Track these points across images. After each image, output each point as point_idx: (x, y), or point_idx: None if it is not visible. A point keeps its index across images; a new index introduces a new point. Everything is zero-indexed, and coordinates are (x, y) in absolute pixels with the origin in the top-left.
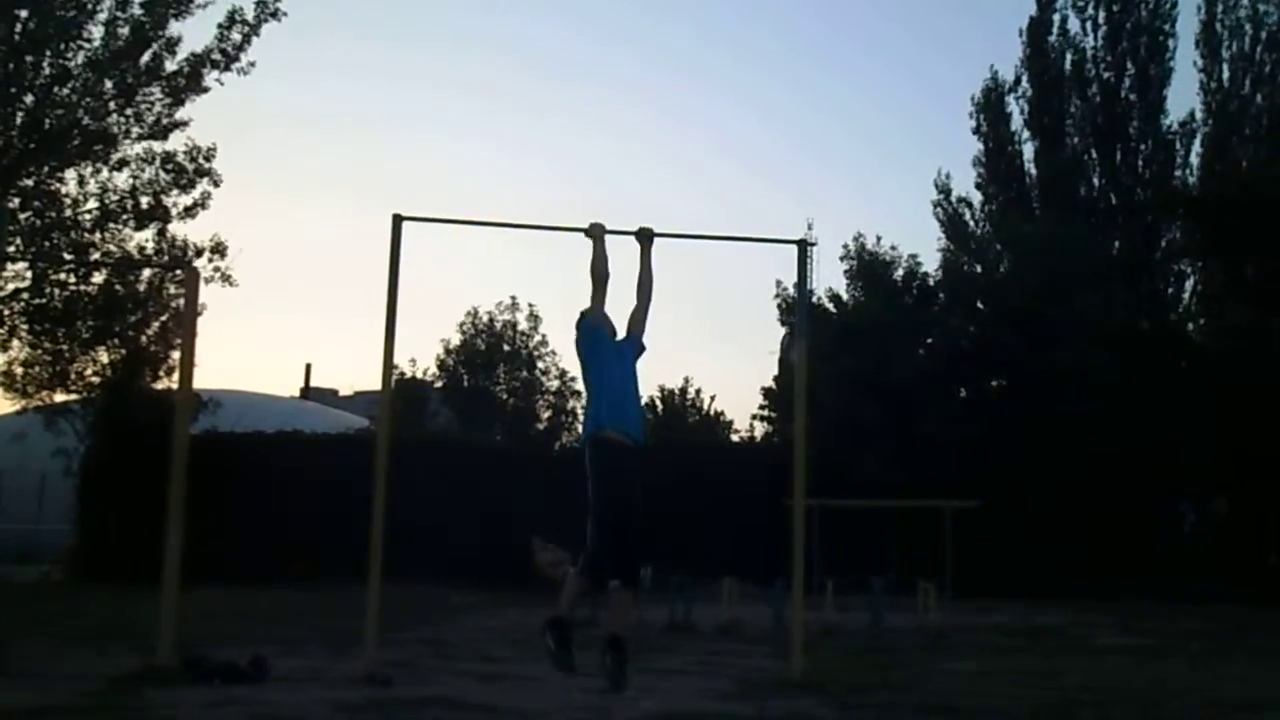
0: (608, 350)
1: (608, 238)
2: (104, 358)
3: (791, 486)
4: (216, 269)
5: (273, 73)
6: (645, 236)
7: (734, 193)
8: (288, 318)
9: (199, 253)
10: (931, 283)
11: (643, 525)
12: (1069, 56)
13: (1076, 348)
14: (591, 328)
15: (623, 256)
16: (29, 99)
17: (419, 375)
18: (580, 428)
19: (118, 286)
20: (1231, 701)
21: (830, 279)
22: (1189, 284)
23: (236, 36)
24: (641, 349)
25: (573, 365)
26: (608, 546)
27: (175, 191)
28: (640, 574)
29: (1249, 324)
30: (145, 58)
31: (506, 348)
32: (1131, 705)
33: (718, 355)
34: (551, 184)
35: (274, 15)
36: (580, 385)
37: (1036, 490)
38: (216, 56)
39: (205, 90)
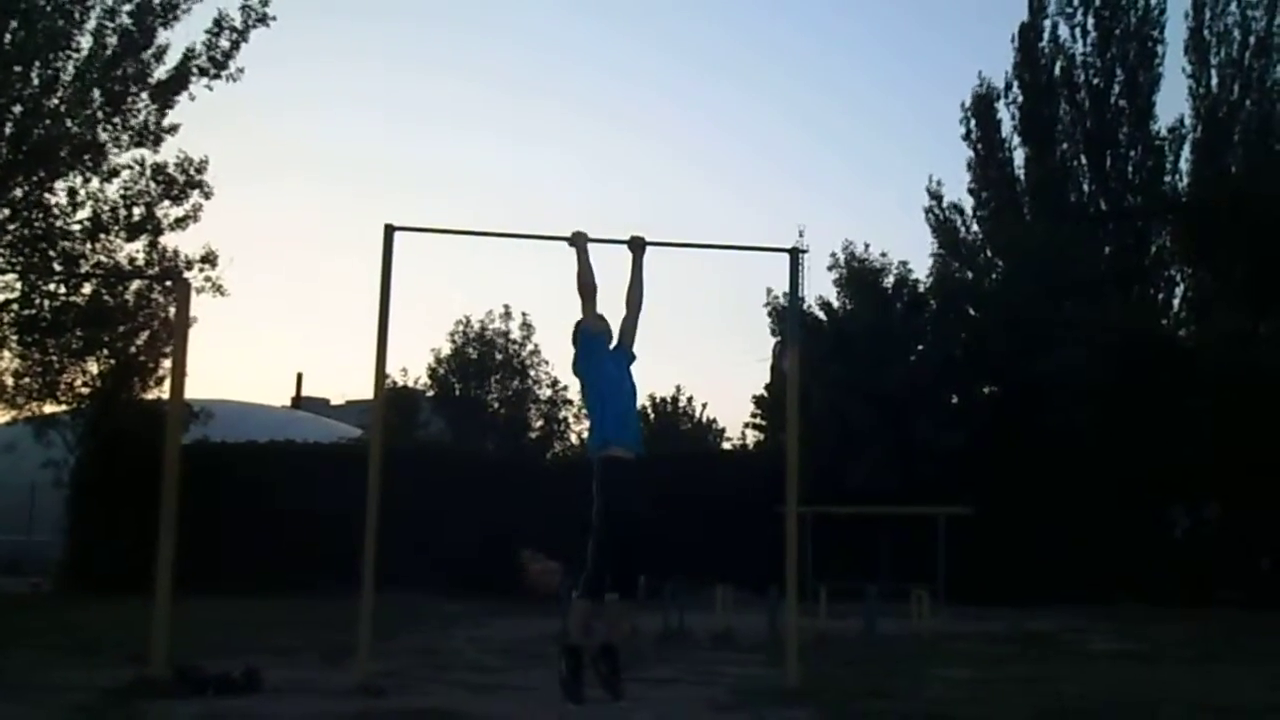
0: (608, 362)
1: (600, 247)
2: (94, 368)
3: (784, 494)
4: (208, 279)
5: (266, 79)
6: (637, 246)
7: (724, 199)
8: (279, 327)
9: (189, 264)
10: (922, 289)
11: (644, 536)
12: (1059, 63)
13: (1068, 354)
14: (590, 338)
15: (615, 265)
16: (18, 109)
17: (410, 384)
18: (575, 438)
19: (106, 297)
20: (1227, 706)
21: (821, 287)
22: (1179, 289)
23: (225, 44)
24: (632, 359)
25: (565, 374)
26: (608, 563)
27: (166, 203)
28: (637, 585)
29: (1238, 328)
30: (133, 68)
31: (499, 356)
32: (1126, 711)
33: (709, 363)
34: (543, 191)
35: (262, 20)
36: (573, 395)
37: (1030, 496)
38: (204, 63)
39: (192, 97)
